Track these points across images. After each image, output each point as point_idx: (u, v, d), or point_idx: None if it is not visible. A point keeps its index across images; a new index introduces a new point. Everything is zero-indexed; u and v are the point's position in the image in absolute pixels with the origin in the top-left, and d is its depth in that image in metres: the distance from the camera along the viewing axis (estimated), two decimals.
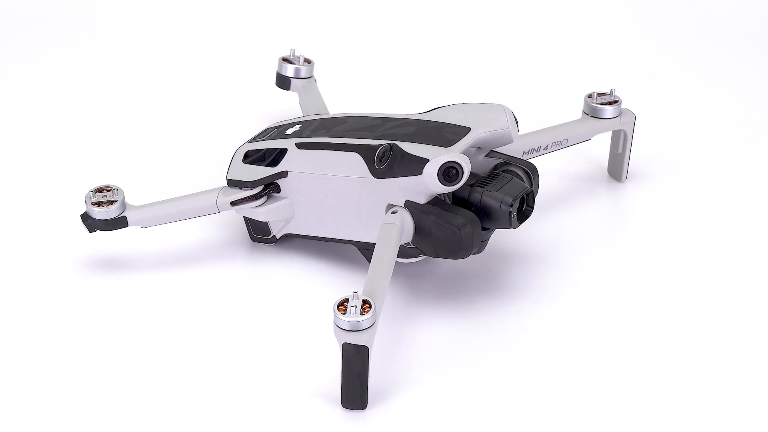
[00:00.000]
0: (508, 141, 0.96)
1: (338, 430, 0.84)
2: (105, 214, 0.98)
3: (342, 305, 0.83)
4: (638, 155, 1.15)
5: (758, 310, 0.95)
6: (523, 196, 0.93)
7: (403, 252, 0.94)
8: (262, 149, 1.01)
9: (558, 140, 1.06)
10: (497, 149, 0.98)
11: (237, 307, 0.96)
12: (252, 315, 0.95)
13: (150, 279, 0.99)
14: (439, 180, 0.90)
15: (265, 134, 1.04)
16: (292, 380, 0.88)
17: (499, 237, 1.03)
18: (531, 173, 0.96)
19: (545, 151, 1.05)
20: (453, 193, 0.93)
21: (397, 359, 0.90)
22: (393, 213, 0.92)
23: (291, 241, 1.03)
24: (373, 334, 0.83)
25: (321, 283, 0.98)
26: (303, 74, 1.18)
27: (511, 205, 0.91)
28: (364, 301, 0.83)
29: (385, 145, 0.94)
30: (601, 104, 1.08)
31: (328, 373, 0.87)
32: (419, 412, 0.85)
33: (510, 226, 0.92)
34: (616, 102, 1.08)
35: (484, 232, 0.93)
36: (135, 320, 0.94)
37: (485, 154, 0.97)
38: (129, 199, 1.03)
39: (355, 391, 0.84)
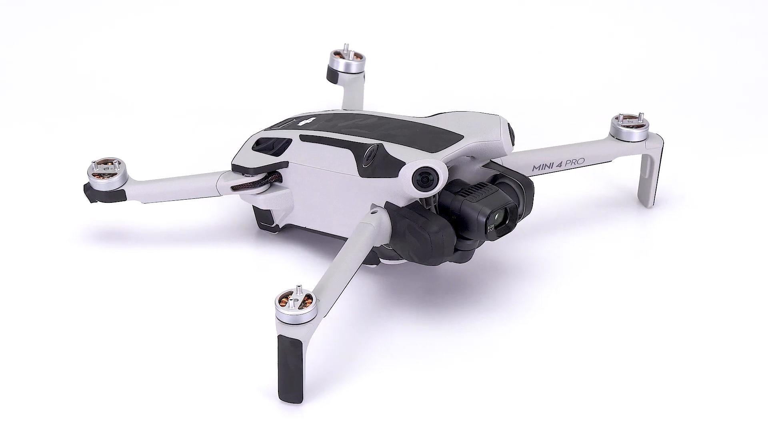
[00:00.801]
0: (501, 153, 0.96)
1: (269, 421, 0.85)
2: (104, 186, 1.02)
3: (285, 298, 0.85)
4: (672, 181, 1.12)
5: None
6: (505, 210, 0.92)
7: (386, 254, 0.96)
8: (271, 138, 1.03)
9: (573, 158, 1.05)
10: (496, 161, 0.98)
11: (218, 290, 0.98)
12: (228, 300, 0.97)
13: (147, 254, 1.03)
14: (414, 184, 0.91)
15: (282, 124, 1.07)
16: (235, 370, 0.90)
17: (510, 252, 1.03)
18: (524, 188, 0.95)
19: (559, 169, 1.04)
20: (438, 200, 0.94)
21: (352, 357, 0.91)
22: (372, 213, 0.94)
23: (294, 231, 1.05)
24: (312, 329, 0.84)
25: (310, 276, 0.99)
26: (353, 69, 1.20)
27: (488, 217, 0.91)
28: (308, 296, 0.85)
29: (373, 145, 0.95)
30: (625, 127, 1.06)
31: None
32: (354, 409, 0.86)
33: (486, 238, 0.92)
34: (642, 126, 1.06)
35: (468, 242, 0.93)
36: (120, 292, 0.98)
37: (483, 164, 0.97)
38: (136, 175, 1.06)
39: (289, 384, 0.86)
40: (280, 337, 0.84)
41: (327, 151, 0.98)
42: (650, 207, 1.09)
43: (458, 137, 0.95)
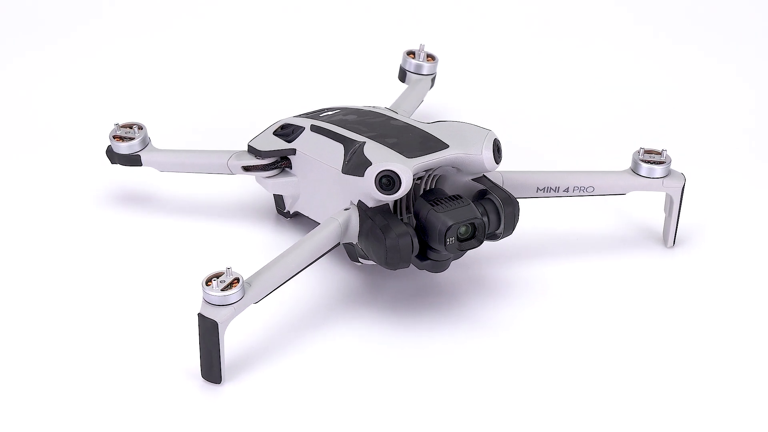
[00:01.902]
0: (483, 168, 0.95)
1: (187, 399, 0.88)
2: (120, 148, 1.07)
3: (214, 278, 0.88)
4: (699, 222, 1.09)
5: None
6: (473, 226, 0.93)
7: (360, 253, 0.98)
8: (292, 125, 1.05)
9: (582, 186, 1.03)
10: (488, 176, 0.98)
11: (211, 266, 1.02)
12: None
13: (161, 221, 1.08)
14: (376, 186, 0.92)
15: (311, 113, 1.09)
16: (170, 349, 0.93)
17: (507, 272, 1.03)
18: (504, 206, 0.95)
19: (566, 194, 1.03)
20: (414, 206, 0.95)
21: (296, 344, 0.94)
22: (345, 210, 0.96)
23: (305, 219, 1.06)
24: (234, 313, 0.87)
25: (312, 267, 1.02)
26: (424, 71, 1.21)
27: (449, 229, 0.91)
28: (236, 280, 0.88)
29: (358, 143, 0.98)
30: (645, 161, 1.03)
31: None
32: (271, 394, 0.89)
33: (446, 250, 0.92)
34: (663, 162, 1.03)
35: (436, 252, 0.93)
36: (121, 256, 1.04)
37: (473, 177, 0.97)
38: (164, 145, 1.11)
39: (208, 364, 0.88)
40: (199, 315, 0.87)
41: (325, 144, 1.00)
42: (670, 247, 1.06)
43: (444, 146, 0.96)
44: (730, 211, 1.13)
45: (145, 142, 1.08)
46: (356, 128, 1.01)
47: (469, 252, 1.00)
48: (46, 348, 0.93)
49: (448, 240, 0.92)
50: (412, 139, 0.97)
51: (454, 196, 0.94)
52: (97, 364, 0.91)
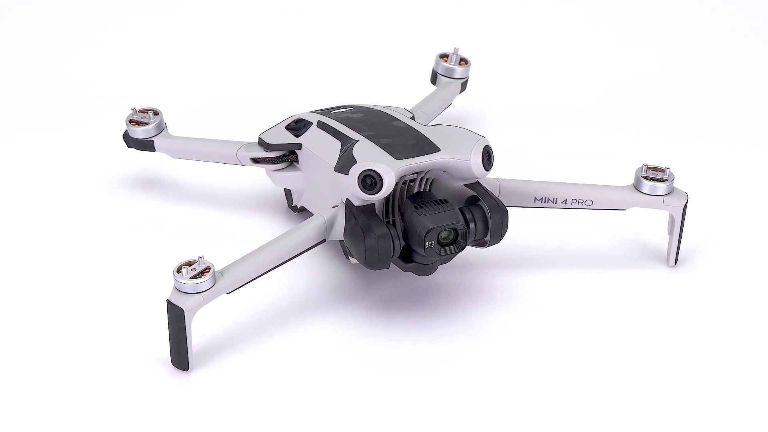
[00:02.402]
0: (471, 174, 0.95)
1: (153, 385, 0.90)
2: (133, 132, 1.10)
3: (187, 266, 0.90)
4: (705, 242, 1.08)
5: None
6: (455, 231, 0.93)
7: (347, 251, 0.99)
8: (303, 120, 1.06)
9: (581, 198, 1.02)
10: (484, 183, 0.98)
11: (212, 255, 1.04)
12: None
13: (170, 208, 1.11)
14: (359, 185, 0.93)
15: (325, 109, 1.10)
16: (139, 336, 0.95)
17: (502, 279, 1.03)
18: (491, 213, 0.95)
19: (564, 206, 1.02)
20: (401, 208, 0.95)
21: (273, 338, 0.95)
22: (333, 207, 0.97)
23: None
24: (202, 302, 0.88)
25: (312, 259, 1.04)
26: (454, 75, 1.22)
27: (429, 232, 0.91)
28: (208, 269, 0.90)
29: (352, 141, 0.98)
30: (646, 178, 1.02)
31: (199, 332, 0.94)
32: (239, 385, 0.90)
33: (425, 254, 0.93)
34: (665, 180, 1.02)
35: (420, 255, 0.94)
36: (125, 239, 1.07)
37: (466, 183, 0.97)
38: (180, 131, 1.13)
39: (177, 351, 0.90)
40: (167, 302, 0.89)
41: (326, 141, 1.01)
42: (671, 266, 1.05)
43: (435, 150, 0.96)
44: (737, 230, 1.11)
45: (160, 128, 1.10)
46: (357, 126, 1.01)
47: (461, 257, 1.01)
48: (34, 332, 0.96)
49: (427, 243, 0.92)
50: (406, 141, 0.97)
51: (440, 200, 0.94)
52: (77, 348, 0.94)
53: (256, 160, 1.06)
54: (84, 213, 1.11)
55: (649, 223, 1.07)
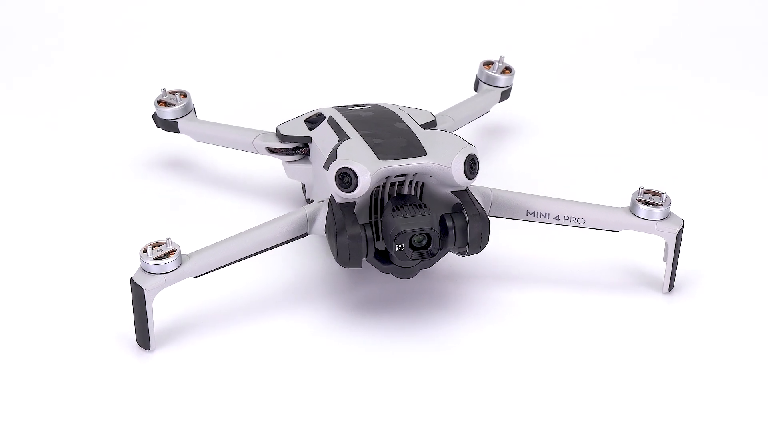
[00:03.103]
0: (452, 181, 0.95)
1: (115, 363, 0.94)
2: (162, 113, 1.14)
3: (154, 246, 0.92)
4: (702, 269, 1.05)
5: None
6: (428, 236, 0.93)
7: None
8: (322, 114, 1.07)
9: (573, 216, 1.01)
10: (475, 191, 0.99)
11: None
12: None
13: (188, 192, 1.15)
14: (336, 182, 0.94)
15: (347, 106, 1.10)
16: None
17: (485, 292, 1.03)
18: (470, 223, 0.94)
19: (556, 222, 1.01)
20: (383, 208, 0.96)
21: (244, 326, 0.98)
22: (319, 202, 0.98)
23: None
24: (163, 283, 0.91)
25: (295, 254, 1.06)
26: (495, 83, 1.21)
27: (399, 234, 0.92)
28: (174, 251, 0.92)
29: (346, 138, 0.99)
30: (641, 201, 1.01)
31: (168, 312, 0.98)
32: (199, 366, 0.93)
33: (396, 256, 0.93)
34: (659, 205, 1.00)
35: (403, 260, 0.94)
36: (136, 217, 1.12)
37: (453, 189, 0.97)
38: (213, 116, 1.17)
39: (139, 329, 0.94)
40: (131, 281, 0.92)
41: (329, 137, 1.02)
42: (665, 293, 1.03)
43: (422, 154, 0.96)
44: (740, 258, 1.08)
45: (186, 111, 1.14)
46: (360, 124, 1.02)
47: (448, 264, 1.01)
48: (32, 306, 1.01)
49: (397, 246, 0.92)
50: (397, 143, 0.98)
51: (420, 204, 0.94)
52: (56, 325, 0.98)
53: (271, 150, 1.08)
54: (105, 190, 1.16)
55: (648, 246, 1.05)
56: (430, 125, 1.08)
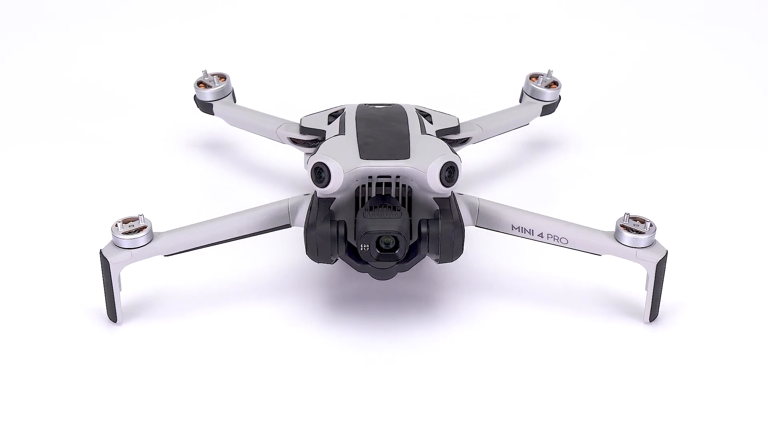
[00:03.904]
0: (428, 186, 0.96)
1: (82, 334, 0.97)
2: (200, 94, 1.18)
3: (127, 222, 0.96)
4: (687, 301, 1.03)
5: None
6: (396, 240, 0.93)
7: None
8: (343, 110, 1.08)
9: (555, 235, 0.99)
10: (463, 200, 1.00)
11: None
12: None
13: (217, 174, 1.20)
14: (311, 177, 0.96)
15: (370, 104, 1.11)
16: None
17: (459, 302, 1.03)
18: (442, 230, 0.94)
19: (540, 239, 1.00)
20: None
21: (219, 309, 1.01)
22: (305, 195, 1.00)
23: None
24: (129, 259, 0.95)
25: (285, 244, 1.08)
26: (538, 96, 1.21)
27: (365, 234, 0.93)
28: (144, 227, 0.95)
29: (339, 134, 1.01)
30: (624, 227, 0.99)
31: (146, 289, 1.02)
32: (165, 343, 0.96)
33: (361, 255, 0.94)
34: (643, 233, 0.98)
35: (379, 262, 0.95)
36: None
37: (436, 196, 0.97)
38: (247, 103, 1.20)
39: (107, 302, 0.97)
40: (99, 252, 0.96)
41: (334, 132, 1.04)
42: (646, 323, 1.01)
43: (404, 157, 0.97)
44: (723, 292, 1.05)
45: (223, 94, 1.18)
46: (362, 122, 1.03)
47: (431, 269, 1.02)
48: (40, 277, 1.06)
49: (362, 246, 0.93)
50: (386, 144, 0.98)
51: (396, 207, 0.95)
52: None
53: (292, 141, 1.11)
54: (140, 168, 1.21)
55: (636, 272, 1.03)
56: (450, 131, 1.09)
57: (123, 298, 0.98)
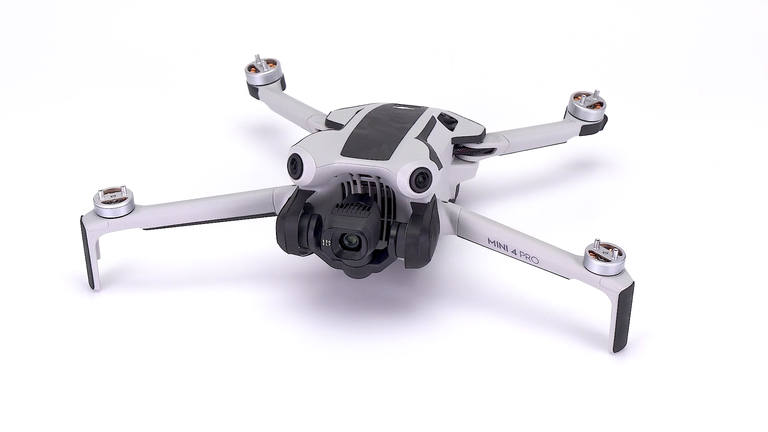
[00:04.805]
0: (398, 189, 0.96)
1: (59, 299, 1.02)
2: (247, 78, 1.22)
3: (107, 191, 1.00)
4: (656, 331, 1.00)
5: None
6: (358, 239, 0.94)
7: None
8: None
9: (526, 253, 0.98)
10: (447, 208, 1.00)
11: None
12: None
13: (250, 158, 1.24)
14: (287, 166, 0.98)
15: (395, 104, 1.12)
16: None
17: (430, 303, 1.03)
18: (407, 236, 0.94)
19: (513, 256, 0.98)
20: None
21: (198, 292, 1.04)
22: (293, 185, 1.01)
23: None
24: (105, 227, 0.99)
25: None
26: (590, 118, 1.19)
27: (327, 230, 0.94)
28: (124, 198, 0.99)
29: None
30: (591, 254, 0.97)
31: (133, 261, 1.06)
32: (141, 314, 1.01)
33: (322, 251, 0.95)
34: (607, 261, 0.96)
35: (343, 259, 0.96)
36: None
37: (413, 200, 0.97)
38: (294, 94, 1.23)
39: (87, 268, 1.01)
40: (80, 219, 1.00)
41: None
42: (610, 353, 0.99)
43: (383, 158, 0.97)
44: (692, 325, 1.02)
45: (269, 79, 1.21)
46: (367, 120, 1.04)
47: (410, 272, 1.03)
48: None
49: (324, 241, 0.95)
50: (375, 144, 0.99)
51: (367, 206, 0.96)
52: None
53: (319, 131, 1.14)
54: (188, 151, 1.26)
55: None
56: (471, 139, 1.09)
57: (108, 266, 1.03)
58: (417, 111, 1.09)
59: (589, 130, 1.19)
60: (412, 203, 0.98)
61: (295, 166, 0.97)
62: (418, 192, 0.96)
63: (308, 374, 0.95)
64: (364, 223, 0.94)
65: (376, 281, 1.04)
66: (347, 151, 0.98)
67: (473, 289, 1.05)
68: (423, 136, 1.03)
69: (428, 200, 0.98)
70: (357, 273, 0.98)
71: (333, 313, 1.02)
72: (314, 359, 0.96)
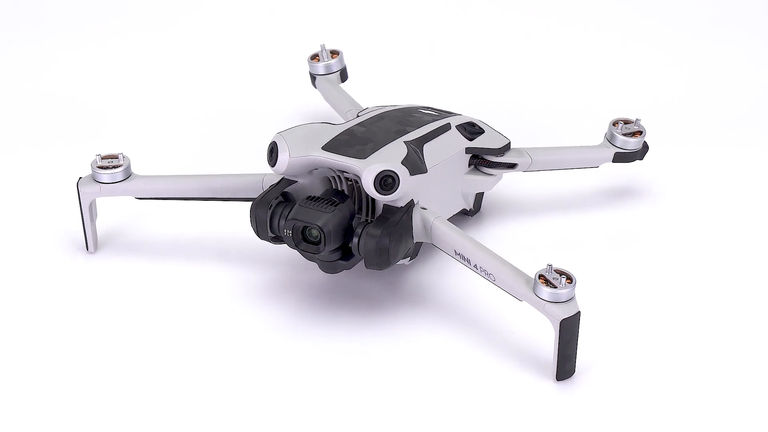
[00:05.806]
0: (364, 191, 0.98)
1: (56, 260, 1.08)
2: (310, 65, 1.27)
3: (105, 157, 1.05)
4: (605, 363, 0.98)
5: None
6: (321, 233, 0.96)
7: None
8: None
9: (485, 269, 0.97)
10: (425, 215, 1.01)
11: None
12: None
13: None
14: (267, 155, 1.00)
15: (424, 106, 1.14)
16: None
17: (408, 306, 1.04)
18: (366, 236, 0.96)
19: (475, 270, 0.97)
20: None
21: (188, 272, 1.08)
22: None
23: None
24: (97, 192, 1.04)
25: None
26: (615, 142, 1.17)
27: (288, 220, 0.96)
28: (119, 165, 1.04)
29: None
30: (541, 278, 0.95)
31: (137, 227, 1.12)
32: (130, 278, 1.06)
33: (284, 239, 0.97)
34: (555, 287, 0.95)
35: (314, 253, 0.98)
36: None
37: (387, 202, 0.99)
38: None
39: (83, 229, 1.07)
40: (77, 181, 1.05)
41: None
42: (555, 381, 0.97)
43: (360, 157, 0.99)
44: (638, 357, 0.99)
45: (327, 70, 1.25)
46: (372, 119, 1.06)
47: (393, 273, 1.05)
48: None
49: (285, 230, 0.97)
50: (362, 143, 1.00)
51: (335, 202, 0.97)
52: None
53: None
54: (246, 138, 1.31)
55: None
56: (489, 151, 1.10)
57: (106, 230, 1.09)
58: (436, 117, 1.10)
59: (624, 157, 1.17)
60: (384, 205, 0.99)
61: (272, 153, 0.99)
62: (384, 194, 0.97)
63: (265, 357, 0.98)
64: (327, 218, 0.96)
65: (355, 276, 1.06)
66: (329, 147, 1.00)
67: (443, 300, 1.05)
68: (420, 141, 1.04)
69: (401, 204, 0.99)
70: (328, 267, 1.00)
71: (302, 303, 1.04)
72: (270, 347, 0.99)
